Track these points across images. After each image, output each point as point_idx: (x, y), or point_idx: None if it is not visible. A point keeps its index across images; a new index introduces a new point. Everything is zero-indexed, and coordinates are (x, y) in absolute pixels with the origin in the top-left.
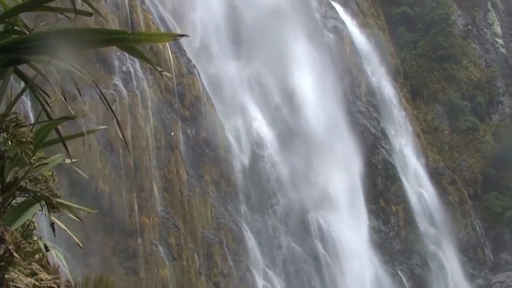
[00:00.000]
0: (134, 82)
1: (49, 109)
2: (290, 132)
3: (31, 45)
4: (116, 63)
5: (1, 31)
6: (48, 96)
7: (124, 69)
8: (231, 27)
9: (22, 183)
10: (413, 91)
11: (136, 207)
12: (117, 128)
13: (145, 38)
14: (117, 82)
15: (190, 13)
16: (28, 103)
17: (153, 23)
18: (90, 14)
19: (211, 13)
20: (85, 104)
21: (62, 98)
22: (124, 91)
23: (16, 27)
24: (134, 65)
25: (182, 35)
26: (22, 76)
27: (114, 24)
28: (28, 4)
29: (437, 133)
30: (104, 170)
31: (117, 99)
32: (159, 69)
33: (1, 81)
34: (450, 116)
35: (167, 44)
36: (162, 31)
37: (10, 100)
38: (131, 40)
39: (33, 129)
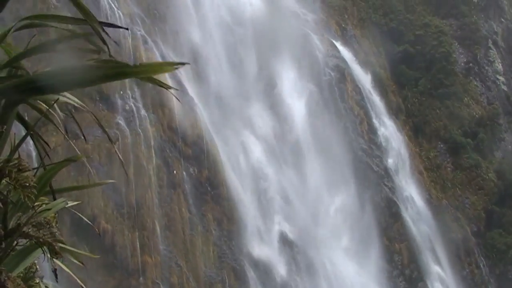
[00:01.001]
0: (137, 120)
1: (52, 148)
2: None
3: (35, 86)
4: (119, 101)
5: (5, 76)
6: (47, 144)
7: (127, 107)
8: (232, 61)
9: (25, 229)
10: (415, 128)
11: (138, 245)
12: (121, 166)
13: (147, 69)
14: (119, 121)
15: (192, 48)
16: (31, 142)
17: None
18: (98, 53)
19: (213, 49)
20: (88, 143)
21: (66, 137)
22: (127, 130)
23: (19, 72)
24: (136, 103)
25: (182, 63)
26: (23, 121)
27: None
28: (32, 51)
29: (440, 171)
30: (107, 208)
31: (119, 138)
32: (169, 87)
33: (4, 126)
34: (452, 154)
35: (170, 83)
36: None
37: (13, 143)
38: (133, 72)
39: (37, 173)
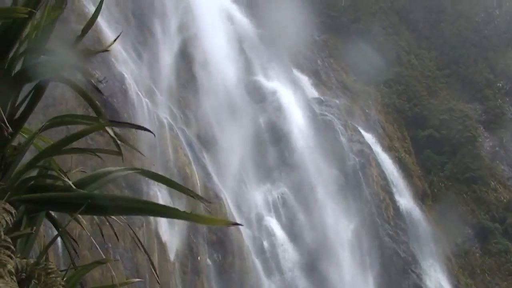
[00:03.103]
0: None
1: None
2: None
3: (69, 202)
4: (144, 188)
5: (35, 176)
6: (76, 242)
7: (151, 193)
8: (258, 150)
9: None
10: (442, 214)
11: None
12: (144, 254)
13: (197, 219)
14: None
15: (217, 135)
16: (59, 242)
17: (181, 148)
18: (120, 154)
19: (240, 137)
20: (113, 229)
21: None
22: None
23: (50, 171)
24: (161, 189)
25: (235, 223)
26: (53, 221)
27: (142, 150)
28: (61, 145)
29: (468, 256)
30: None
31: (144, 224)
32: (205, 202)
33: (34, 227)
34: (480, 239)
35: (194, 168)
36: (191, 158)
37: (42, 245)
38: (182, 216)
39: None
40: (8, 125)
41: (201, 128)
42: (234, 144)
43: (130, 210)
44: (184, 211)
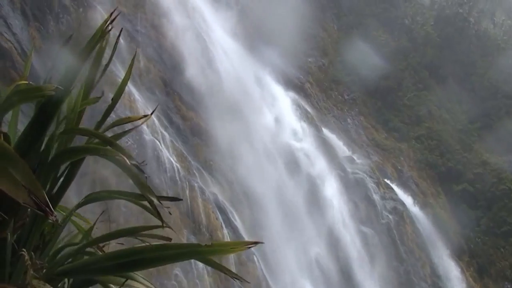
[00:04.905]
0: (195, 271)
1: None
2: None
3: (104, 266)
4: None
5: (73, 253)
6: None
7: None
8: (290, 209)
9: None
10: (480, 269)
11: None
12: None
13: (220, 249)
14: (177, 272)
15: (248, 197)
16: None
17: (212, 212)
18: (159, 214)
19: (271, 197)
20: None
21: None
22: (185, 281)
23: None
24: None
25: (256, 242)
26: None
27: (175, 215)
28: (110, 236)
29: None
30: None
31: None
32: (235, 276)
33: None
34: None
35: (226, 232)
36: (222, 221)
37: None
38: (206, 252)
39: None
40: (53, 209)
41: (233, 191)
42: (265, 204)
43: (159, 260)
44: (205, 245)
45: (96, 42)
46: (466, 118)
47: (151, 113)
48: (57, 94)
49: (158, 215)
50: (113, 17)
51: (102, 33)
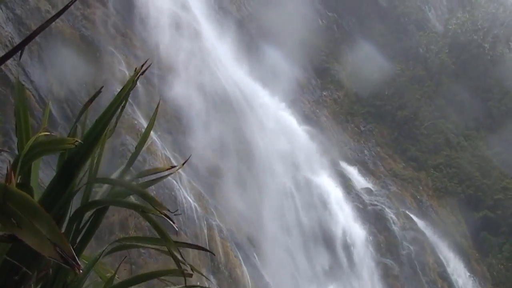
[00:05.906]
0: None
1: None
2: None
3: None
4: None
5: None
6: None
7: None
8: (309, 246)
9: None
10: None
11: None
12: None
13: None
14: None
15: (267, 235)
16: None
17: (231, 250)
18: (190, 275)
19: (290, 234)
20: None
21: None
22: None
23: None
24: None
25: None
26: None
27: (193, 254)
28: (131, 282)
29: None
30: None
31: None
32: None
33: None
34: None
35: (245, 269)
36: (241, 259)
37: None
38: None
39: None
40: (79, 263)
41: (251, 229)
42: (284, 242)
43: None
44: None
45: (126, 95)
46: (484, 144)
47: (180, 166)
48: (82, 150)
49: (177, 264)
50: (144, 68)
51: (132, 84)
